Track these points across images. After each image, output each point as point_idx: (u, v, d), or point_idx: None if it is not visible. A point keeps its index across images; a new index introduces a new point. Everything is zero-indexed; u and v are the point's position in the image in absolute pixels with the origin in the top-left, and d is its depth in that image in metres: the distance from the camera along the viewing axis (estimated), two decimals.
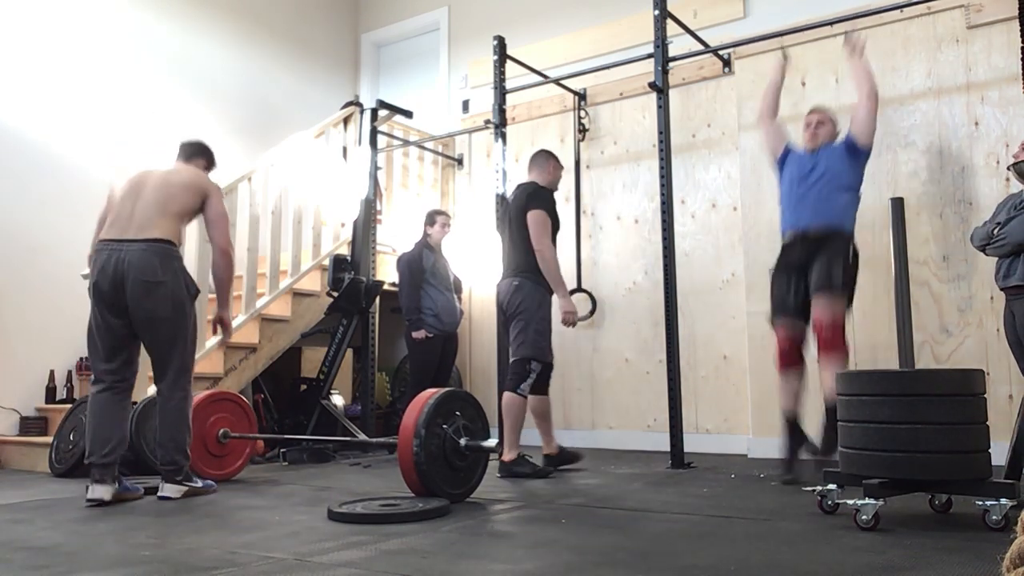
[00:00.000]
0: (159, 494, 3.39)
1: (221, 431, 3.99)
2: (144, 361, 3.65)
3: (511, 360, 4.01)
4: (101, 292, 3.36)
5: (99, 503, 3.24)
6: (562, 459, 4.21)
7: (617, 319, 5.59)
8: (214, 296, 5.03)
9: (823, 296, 3.61)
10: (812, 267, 3.67)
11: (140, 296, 3.35)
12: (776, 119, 4.15)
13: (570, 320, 4.11)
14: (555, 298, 4.10)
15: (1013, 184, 4.09)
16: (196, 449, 3.83)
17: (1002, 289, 3.46)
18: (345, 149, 6.03)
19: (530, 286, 4.02)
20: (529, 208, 4.03)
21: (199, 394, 4.00)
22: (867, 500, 2.50)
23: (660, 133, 4.55)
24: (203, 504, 3.28)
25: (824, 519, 2.71)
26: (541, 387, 4.10)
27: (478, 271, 6.17)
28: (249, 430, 4.16)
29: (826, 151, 3.87)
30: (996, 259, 3.50)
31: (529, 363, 3.96)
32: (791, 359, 3.71)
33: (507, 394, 3.96)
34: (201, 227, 4.86)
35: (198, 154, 3.78)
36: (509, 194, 4.23)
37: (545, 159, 4.31)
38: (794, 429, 3.66)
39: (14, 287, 4.97)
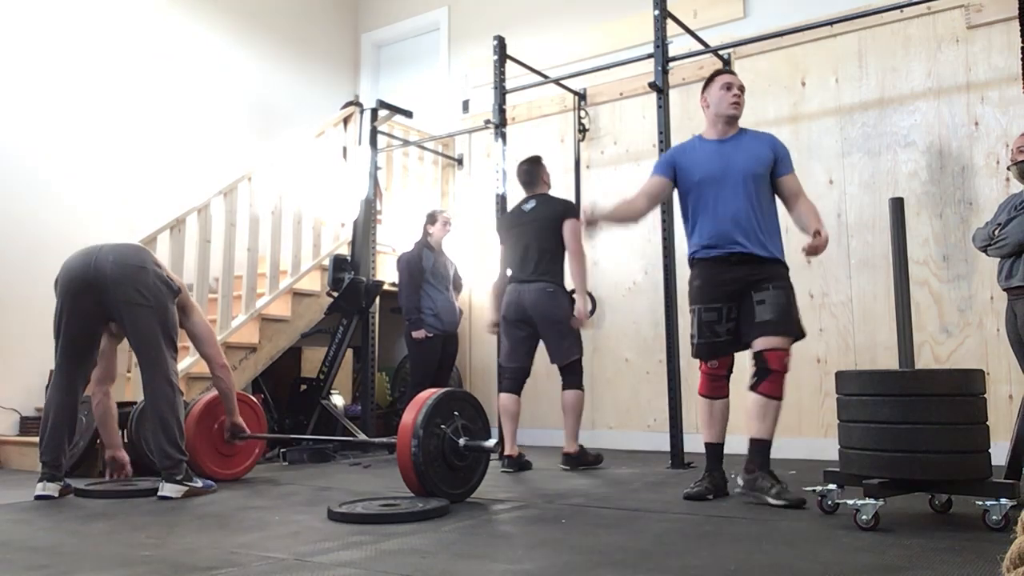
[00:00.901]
0: (159, 494, 3.39)
1: None
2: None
3: (567, 362, 4.28)
4: (68, 281, 3.46)
5: (47, 498, 3.41)
6: (521, 463, 4.31)
7: (617, 319, 5.59)
8: (215, 296, 5.07)
9: (780, 337, 3.11)
10: (755, 296, 3.13)
11: (119, 278, 3.42)
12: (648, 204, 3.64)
13: (586, 324, 4.44)
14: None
15: (1013, 184, 4.09)
16: (205, 448, 3.85)
17: (1004, 290, 3.47)
18: (345, 149, 6.03)
19: (562, 293, 4.35)
20: (568, 217, 4.33)
21: (210, 394, 4.00)
22: (867, 500, 2.50)
23: (660, 133, 4.56)
24: (203, 504, 3.27)
25: (824, 519, 2.71)
26: (516, 388, 4.36)
27: (478, 271, 6.18)
28: (259, 430, 4.16)
29: (742, 145, 3.28)
30: (998, 260, 3.50)
31: (580, 361, 4.34)
32: (720, 392, 3.37)
33: (574, 392, 4.28)
34: (202, 224, 4.90)
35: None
36: (527, 206, 4.44)
37: (542, 168, 4.57)
38: (718, 454, 3.39)
39: (14, 287, 4.96)
